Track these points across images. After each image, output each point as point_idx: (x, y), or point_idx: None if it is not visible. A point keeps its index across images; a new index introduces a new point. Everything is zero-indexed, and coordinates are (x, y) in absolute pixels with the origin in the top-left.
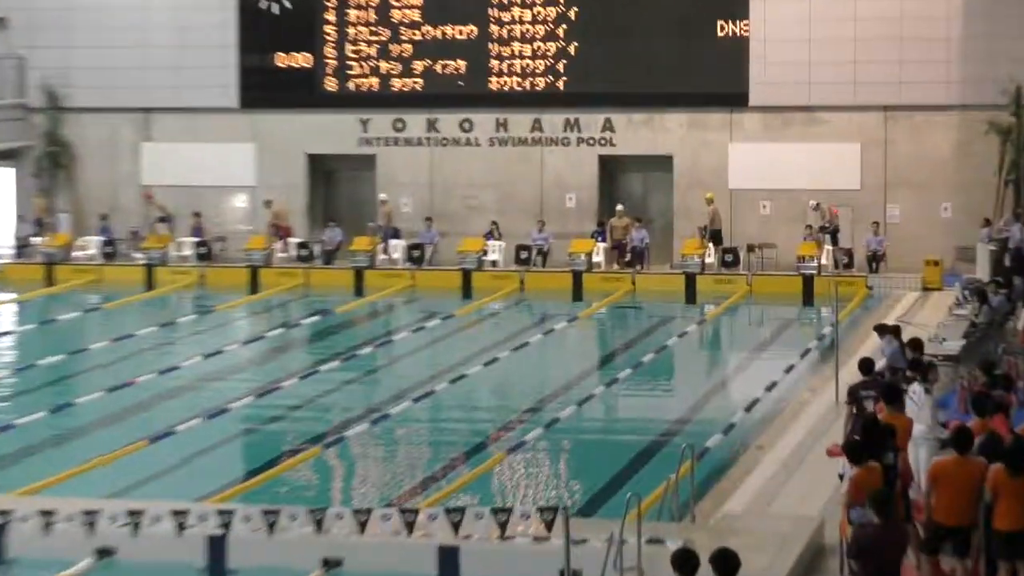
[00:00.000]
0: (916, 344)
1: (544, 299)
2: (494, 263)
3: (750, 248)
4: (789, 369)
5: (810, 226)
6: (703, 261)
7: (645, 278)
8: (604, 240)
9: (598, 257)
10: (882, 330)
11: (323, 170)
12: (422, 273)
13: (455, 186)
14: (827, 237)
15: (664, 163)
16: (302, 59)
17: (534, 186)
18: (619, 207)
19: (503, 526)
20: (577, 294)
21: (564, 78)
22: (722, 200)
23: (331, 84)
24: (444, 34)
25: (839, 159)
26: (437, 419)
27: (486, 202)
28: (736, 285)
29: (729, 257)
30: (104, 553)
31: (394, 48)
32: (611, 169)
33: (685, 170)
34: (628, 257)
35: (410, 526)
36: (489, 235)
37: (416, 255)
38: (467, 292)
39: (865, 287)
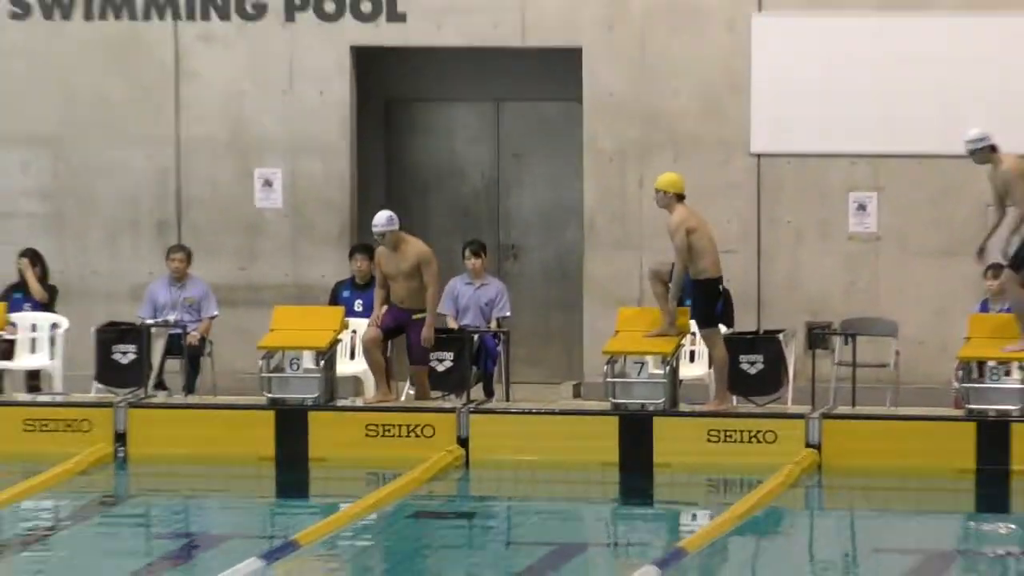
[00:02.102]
0: None
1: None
2: (35, 383)
3: (816, 337)
4: None
5: (999, 268)
6: (671, 371)
7: (493, 427)
8: (369, 306)
9: (352, 364)
10: None
11: None
12: None
13: None
14: None
15: (557, 75)
16: None
17: (148, 144)
18: (379, 227)
19: None
20: (292, 474)
21: None
22: (734, 191)
23: None
24: None
25: None
26: None
27: (2, 192)
28: (776, 447)
29: (754, 363)
30: None
31: None
32: (392, 93)
33: (618, 97)
34: (446, 363)
35: None
36: (19, 293)
37: None
38: None
39: None
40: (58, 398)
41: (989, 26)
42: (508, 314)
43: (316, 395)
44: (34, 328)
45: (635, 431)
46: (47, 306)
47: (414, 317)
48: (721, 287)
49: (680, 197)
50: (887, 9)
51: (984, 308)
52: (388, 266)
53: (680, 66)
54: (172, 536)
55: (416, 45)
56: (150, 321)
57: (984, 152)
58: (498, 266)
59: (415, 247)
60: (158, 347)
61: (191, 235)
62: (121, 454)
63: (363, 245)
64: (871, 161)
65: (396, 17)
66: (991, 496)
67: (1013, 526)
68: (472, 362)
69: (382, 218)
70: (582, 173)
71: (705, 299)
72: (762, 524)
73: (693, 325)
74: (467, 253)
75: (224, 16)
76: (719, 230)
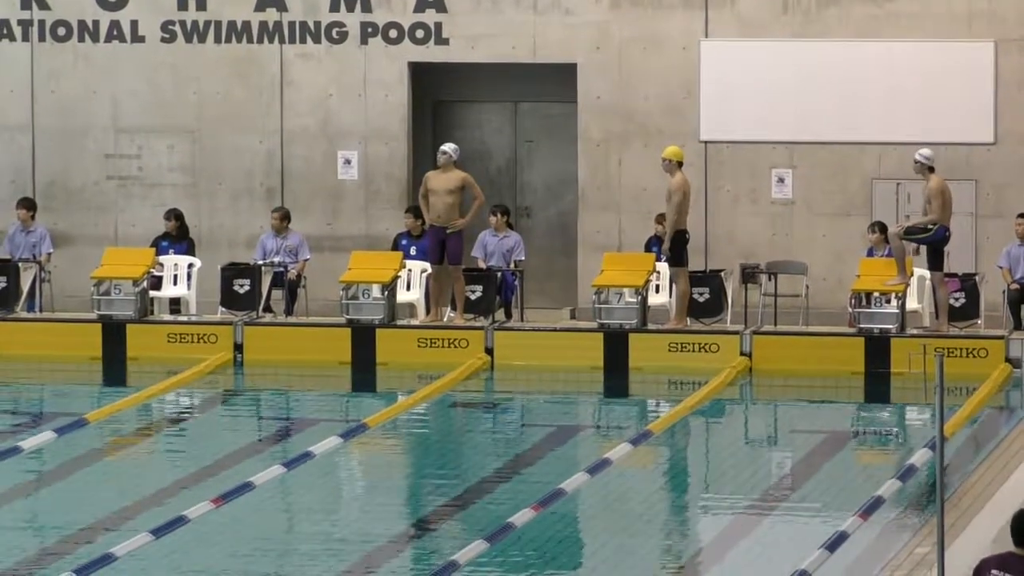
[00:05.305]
0: None
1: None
2: (176, 307)
3: (748, 275)
4: (834, 543)
5: (879, 226)
6: (642, 300)
7: (511, 341)
8: (421, 252)
9: (408, 294)
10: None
11: None
12: None
13: (88, 130)
14: (919, 250)
15: (559, 83)
16: None
17: (260, 133)
18: (446, 149)
19: None
20: (363, 374)
21: None
22: (688, 168)
23: None
24: None
25: (948, 79)
26: None
27: (154, 168)
28: (718, 356)
29: (703, 294)
30: None
31: None
32: (438, 96)
33: (603, 99)
34: (477, 294)
35: None
36: (166, 242)
37: None
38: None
39: (1005, 361)
40: (192, 318)
41: (873, 49)
42: (523, 258)
43: (381, 316)
44: (175, 267)
45: (616, 343)
46: (188, 250)
47: (448, 231)
48: (687, 236)
49: (680, 164)
50: (799, 37)
51: (870, 254)
52: (435, 183)
53: (648, 77)
54: (275, 419)
55: (456, 61)
56: (260, 262)
57: (924, 167)
58: (516, 222)
59: (460, 174)
60: (266, 281)
61: (291, 199)
62: (239, 360)
63: (415, 207)
64: (788, 146)
65: (442, 41)
66: (875, 391)
67: (889, 413)
68: (496, 293)
69: (451, 146)
70: (577, 156)
71: (676, 245)
72: (708, 412)
73: (660, 266)
74: (495, 212)
75: (316, 40)
76: None
